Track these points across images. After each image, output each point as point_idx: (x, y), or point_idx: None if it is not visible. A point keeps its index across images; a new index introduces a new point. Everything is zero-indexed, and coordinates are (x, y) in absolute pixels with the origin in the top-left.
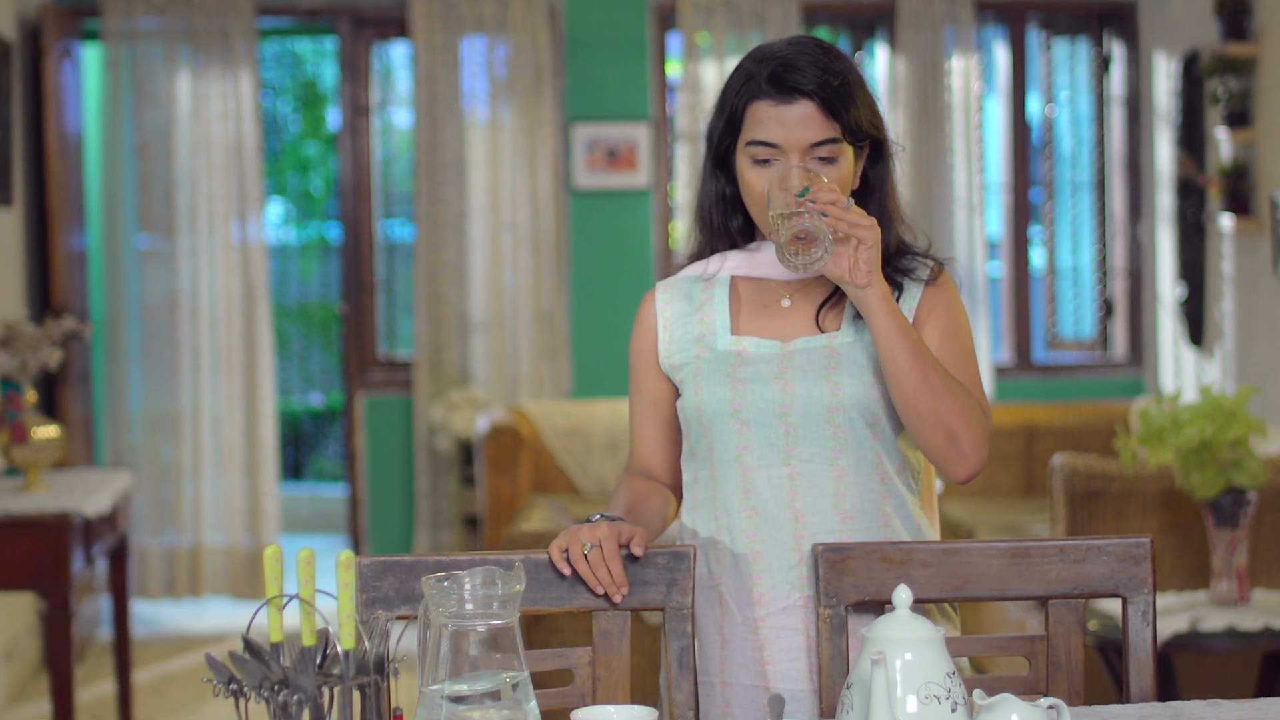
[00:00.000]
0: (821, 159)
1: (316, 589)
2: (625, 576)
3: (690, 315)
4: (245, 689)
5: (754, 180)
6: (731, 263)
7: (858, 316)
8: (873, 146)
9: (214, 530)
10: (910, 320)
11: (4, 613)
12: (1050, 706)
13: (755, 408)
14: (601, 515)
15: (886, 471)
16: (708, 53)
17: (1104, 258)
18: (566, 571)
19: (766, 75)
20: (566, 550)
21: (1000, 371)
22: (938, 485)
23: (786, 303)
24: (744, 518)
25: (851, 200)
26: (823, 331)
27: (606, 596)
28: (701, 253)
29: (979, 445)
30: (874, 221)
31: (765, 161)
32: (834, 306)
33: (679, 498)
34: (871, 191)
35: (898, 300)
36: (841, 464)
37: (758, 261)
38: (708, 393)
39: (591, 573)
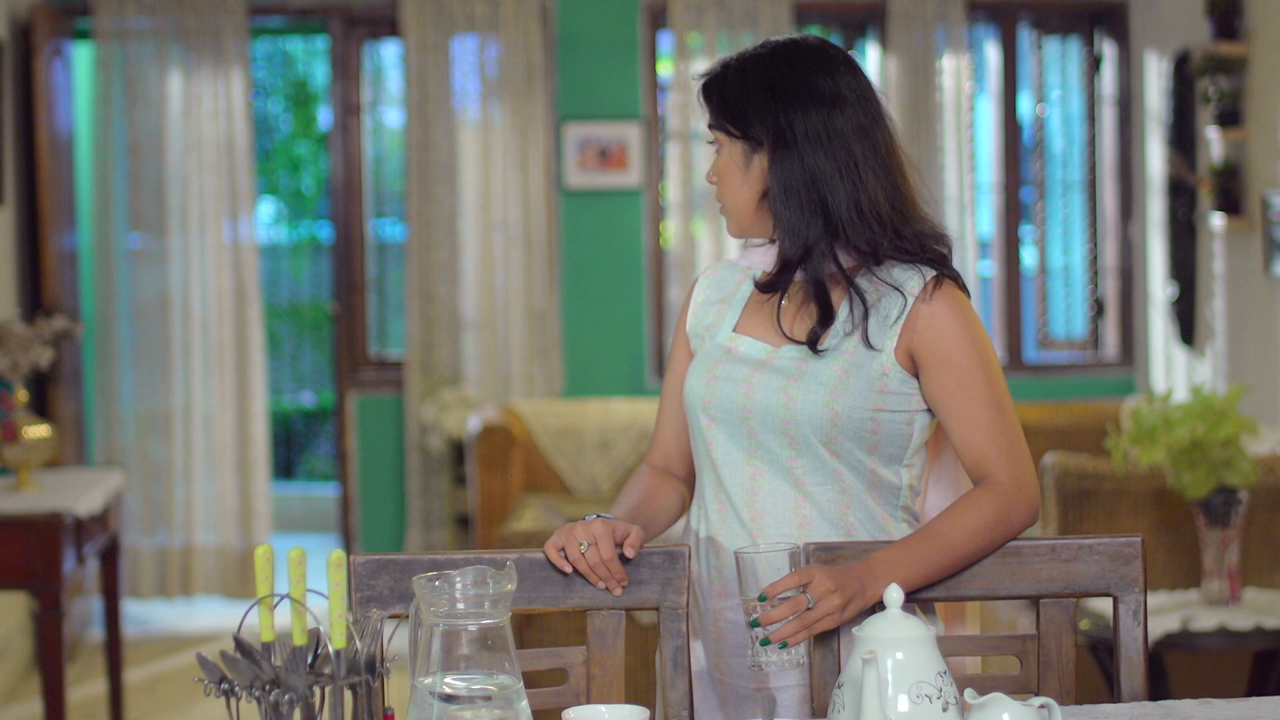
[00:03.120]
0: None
1: (308, 589)
2: (624, 572)
3: (713, 303)
4: (236, 688)
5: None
6: (756, 257)
7: (842, 328)
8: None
9: (205, 530)
10: (894, 340)
11: None
12: (1041, 706)
13: (721, 406)
14: (599, 515)
15: (848, 485)
16: (699, 52)
17: (1095, 257)
18: (567, 569)
19: None
20: (563, 549)
21: None
22: None
23: (785, 302)
24: (714, 509)
25: (811, 598)
26: (808, 342)
27: (607, 589)
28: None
29: (1027, 517)
30: (835, 603)
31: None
32: (799, 315)
33: (692, 493)
34: (770, 189)
35: (865, 315)
36: (797, 473)
37: (771, 258)
38: (689, 384)
39: (590, 569)
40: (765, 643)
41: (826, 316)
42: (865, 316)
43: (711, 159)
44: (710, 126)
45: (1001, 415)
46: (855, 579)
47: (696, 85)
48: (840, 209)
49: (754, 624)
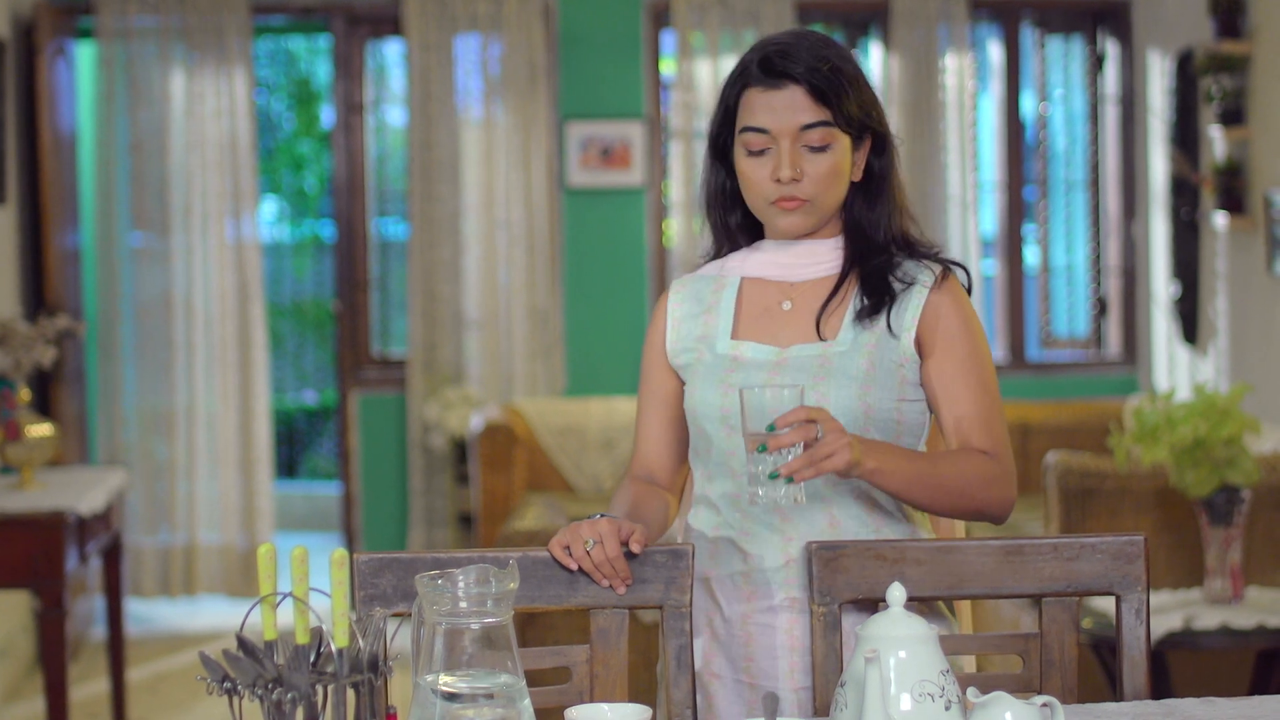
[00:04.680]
0: (813, 148)
1: (310, 587)
2: (629, 570)
3: (697, 315)
4: (239, 687)
5: (747, 170)
6: (734, 263)
7: (856, 321)
8: (875, 140)
9: (208, 528)
10: (913, 329)
11: None
12: (1044, 704)
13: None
14: (604, 515)
15: None
16: (702, 51)
17: (1098, 256)
18: (573, 567)
19: (757, 61)
20: (568, 547)
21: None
22: None
23: (787, 305)
24: (736, 516)
25: (818, 428)
26: (821, 339)
27: (610, 588)
28: (718, 251)
29: (1005, 499)
30: (844, 439)
31: (760, 153)
32: (835, 311)
33: (679, 502)
34: (873, 182)
35: (890, 307)
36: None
37: (759, 261)
38: (699, 396)
39: (595, 567)
40: (774, 475)
41: (878, 306)
42: (888, 310)
43: (789, 157)
44: (823, 124)
45: (993, 405)
46: (854, 437)
47: (796, 84)
48: (900, 204)
49: (761, 449)
